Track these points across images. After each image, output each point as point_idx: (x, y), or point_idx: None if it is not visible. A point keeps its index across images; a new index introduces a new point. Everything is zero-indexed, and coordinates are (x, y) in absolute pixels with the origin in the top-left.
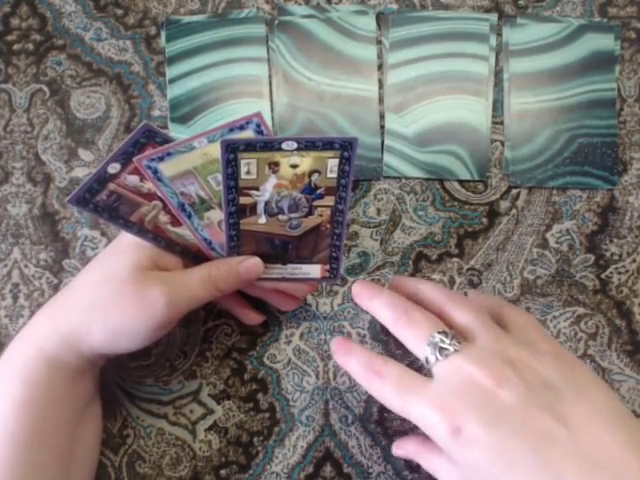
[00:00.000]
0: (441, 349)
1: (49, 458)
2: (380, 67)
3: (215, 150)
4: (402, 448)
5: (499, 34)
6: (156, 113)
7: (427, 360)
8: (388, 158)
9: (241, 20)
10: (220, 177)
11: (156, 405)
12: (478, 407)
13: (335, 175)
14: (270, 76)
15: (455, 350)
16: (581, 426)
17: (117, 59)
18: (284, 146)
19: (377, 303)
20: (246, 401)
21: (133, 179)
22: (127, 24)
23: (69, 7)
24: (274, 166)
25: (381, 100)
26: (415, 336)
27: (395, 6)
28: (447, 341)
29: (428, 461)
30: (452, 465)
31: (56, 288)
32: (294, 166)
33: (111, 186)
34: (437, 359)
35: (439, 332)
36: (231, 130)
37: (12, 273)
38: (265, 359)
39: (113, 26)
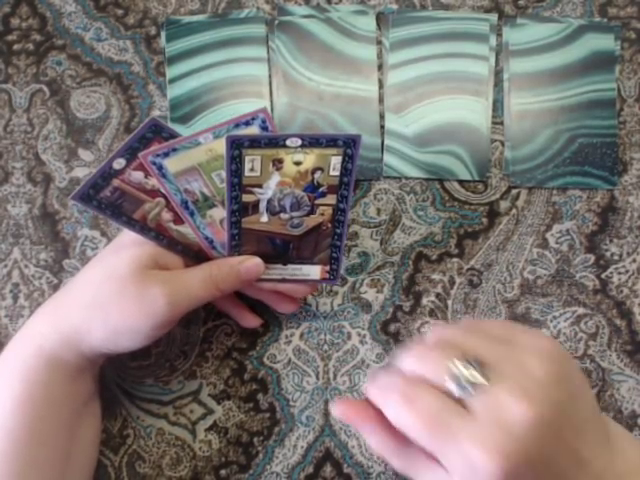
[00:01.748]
0: (466, 379)
1: (47, 456)
2: (380, 67)
3: (220, 146)
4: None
5: (499, 34)
6: (156, 113)
7: (452, 393)
8: (388, 158)
9: (241, 20)
10: (224, 174)
11: (156, 405)
12: (527, 448)
13: (338, 173)
14: (270, 76)
15: (477, 380)
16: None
17: (117, 59)
18: (288, 143)
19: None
20: (246, 401)
21: (137, 175)
22: (127, 24)
23: (69, 7)
24: (278, 163)
25: (381, 100)
26: (434, 369)
27: (395, 6)
28: (468, 371)
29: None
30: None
31: (56, 288)
32: (297, 163)
33: (115, 182)
34: (466, 392)
35: (456, 362)
36: (237, 126)
37: (12, 273)
38: (265, 359)
39: (113, 26)
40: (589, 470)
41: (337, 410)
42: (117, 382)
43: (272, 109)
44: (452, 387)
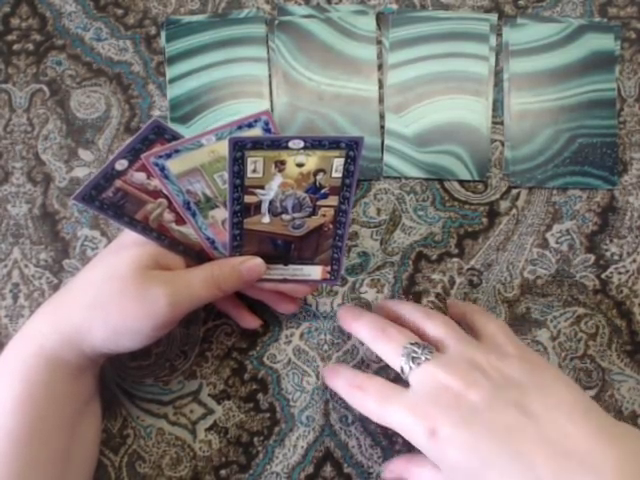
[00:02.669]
0: (414, 358)
1: (48, 456)
2: (380, 67)
3: (223, 148)
4: (391, 471)
5: (499, 34)
6: (156, 113)
7: (402, 370)
8: (388, 158)
9: (241, 20)
10: (226, 175)
11: (156, 405)
12: (450, 409)
13: (340, 175)
14: (270, 76)
15: (427, 359)
16: (546, 418)
17: (117, 59)
18: (291, 145)
19: (358, 325)
20: (246, 401)
21: (140, 176)
22: (127, 24)
23: (69, 7)
24: (280, 165)
25: (381, 100)
26: (391, 349)
27: (395, 6)
28: (419, 351)
29: (416, 475)
30: (436, 471)
31: (56, 288)
32: (300, 165)
33: (117, 183)
34: (411, 368)
35: (412, 343)
36: (239, 128)
37: (12, 273)
38: (265, 359)
39: (113, 26)
40: (569, 458)
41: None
42: (117, 382)
43: (272, 109)
44: (399, 366)
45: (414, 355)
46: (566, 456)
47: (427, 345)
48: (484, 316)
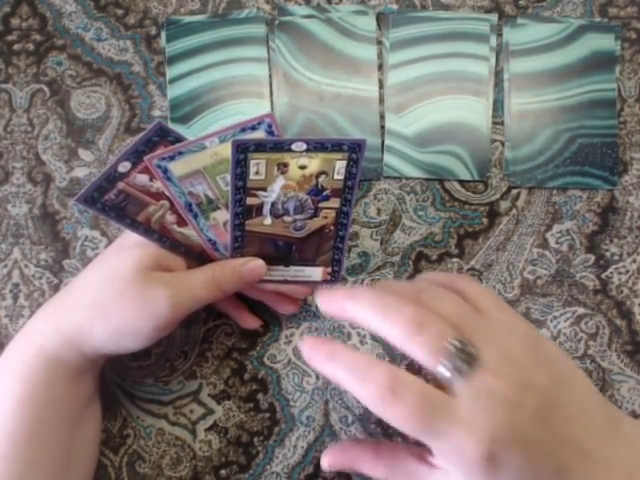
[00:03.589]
0: (462, 361)
1: (48, 457)
2: (380, 67)
3: (225, 150)
4: (334, 458)
5: (499, 34)
6: (156, 113)
7: (443, 376)
8: (388, 158)
9: (241, 20)
10: (229, 177)
11: (156, 405)
12: (511, 429)
13: (342, 177)
14: (270, 76)
15: (471, 363)
16: (591, 433)
17: (117, 59)
18: (294, 147)
19: (358, 307)
20: (246, 401)
21: (142, 178)
22: (127, 24)
23: (69, 7)
24: (283, 167)
25: (381, 100)
26: (428, 348)
27: (395, 6)
28: (463, 353)
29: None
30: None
31: (56, 288)
32: (302, 167)
33: (120, 185)
34: (459, 374)
35: (452, 342)
36: (243, 130)
37: (12, 273)
38: (265, 359)
39: (113, 26)
40: (592, 459)
41: (325, 462)
42: (117, 382)
43: (272, 109)
44: (444, 370)
45: (460, 356)
46: (593, 460)
47: (467, 342)
48: (473, 283)
